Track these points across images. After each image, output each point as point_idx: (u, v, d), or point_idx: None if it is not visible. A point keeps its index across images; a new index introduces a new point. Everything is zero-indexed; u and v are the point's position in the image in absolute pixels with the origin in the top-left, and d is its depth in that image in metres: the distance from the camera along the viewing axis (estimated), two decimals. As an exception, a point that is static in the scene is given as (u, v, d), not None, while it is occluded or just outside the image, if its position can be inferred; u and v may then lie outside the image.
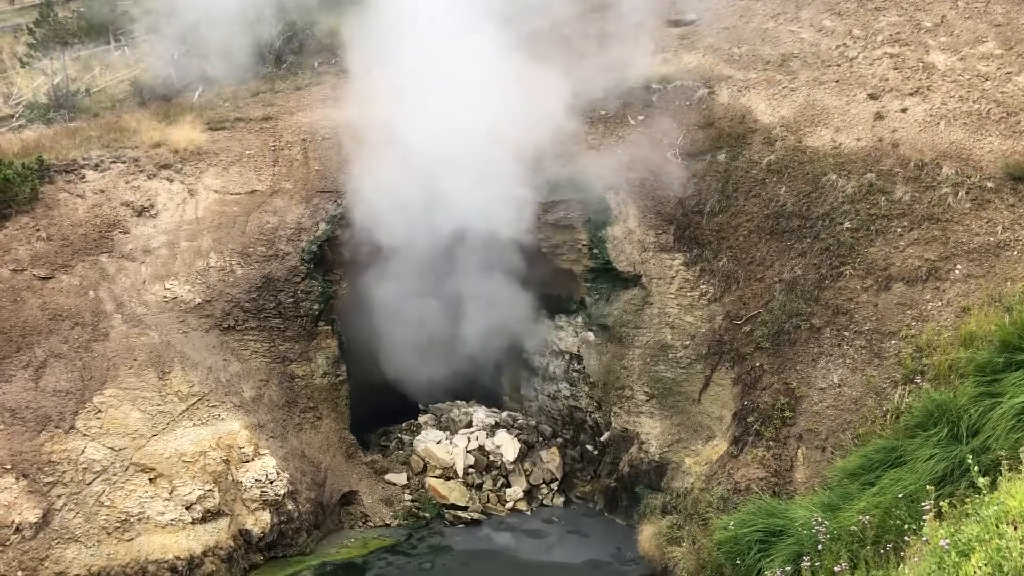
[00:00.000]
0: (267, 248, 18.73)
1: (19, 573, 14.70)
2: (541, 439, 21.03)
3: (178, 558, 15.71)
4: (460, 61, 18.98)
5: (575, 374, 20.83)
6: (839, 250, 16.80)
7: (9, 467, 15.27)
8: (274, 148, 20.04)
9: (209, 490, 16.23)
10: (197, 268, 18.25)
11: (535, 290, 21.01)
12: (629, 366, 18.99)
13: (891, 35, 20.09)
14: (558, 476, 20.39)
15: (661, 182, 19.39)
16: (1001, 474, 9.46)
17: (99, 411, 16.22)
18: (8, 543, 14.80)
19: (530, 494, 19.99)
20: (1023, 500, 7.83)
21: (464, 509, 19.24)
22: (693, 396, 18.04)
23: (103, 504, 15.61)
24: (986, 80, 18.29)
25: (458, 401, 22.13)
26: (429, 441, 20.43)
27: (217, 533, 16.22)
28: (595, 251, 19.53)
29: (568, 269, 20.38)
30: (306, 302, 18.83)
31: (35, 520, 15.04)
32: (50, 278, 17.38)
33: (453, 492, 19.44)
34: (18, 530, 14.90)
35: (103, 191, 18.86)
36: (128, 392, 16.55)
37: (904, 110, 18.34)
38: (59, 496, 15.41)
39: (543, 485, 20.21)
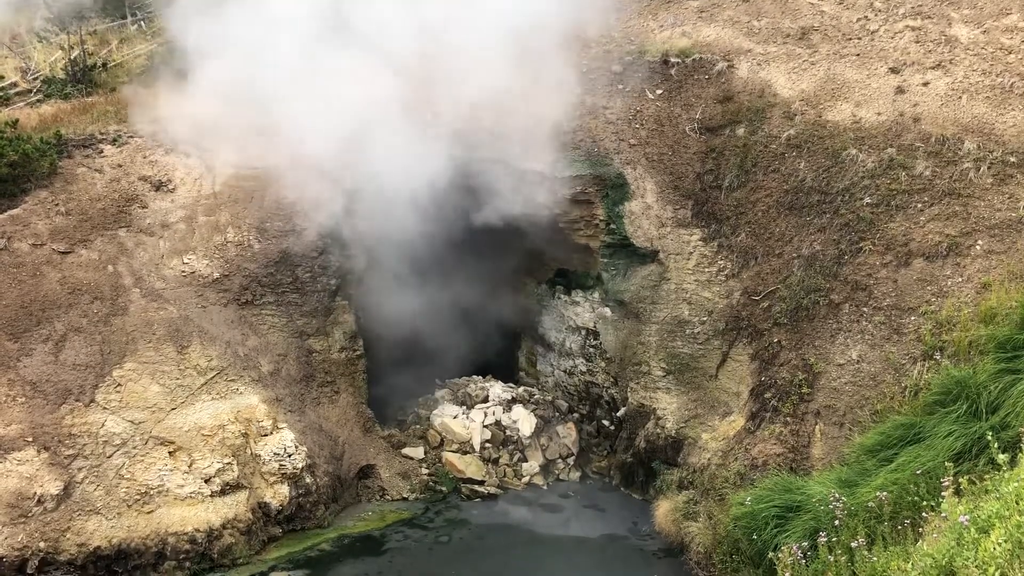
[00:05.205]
0: (284, 223, 18.73)
1: (41, 544, 14.88)
2: (557, 414, 21.08)
3: (197, 530, 15.87)
4: (469, 36, 18.91)
5: (592, 350, 20.84)
6: (859, 225, 16.69)
7: (31, 440, 15.43)
8: (291, 123, 19.96)
9: (228, 463, 16.35)
10: (215, 243, 18.30)
11: (552, 265, 20.98)
12: (646, 342, 18.98)
13: (913, 8, 19.84)
14: (574, 451, 20.45)
15: (679, 157, 19.28)
16: (1021, 451, 9.45)
17: (119, 385, 16.34)
18: (30, 515, 14.98)
19: (546, 469, 20.06)
20: (1044, 477, 7.81)
21: (481, 483, 19.33)
22: (710, 372, 18.03)
23: (123, 477, 15.76)
24: (1010, 53, 18.06)
25: (474, 376, 22.18)
26: (446, 416, 20.52)
27: (236, 506, 16.36)
28: (612, 226, 19.46)
29: (585, 244, 20.32)
30: (323, 277, 18.86)
31: (56, 492, 15.21)
32: (69, 252, 17.47)
33: (470, 466, 19.54)
34: (40, 502, 15.07)
35: (121, 166, 18.91)
36: (147, 366, 16.67)
37: (926, 84, 18.14)
38: (80, 469, 15.57)
39: (559, 460, 20.28)
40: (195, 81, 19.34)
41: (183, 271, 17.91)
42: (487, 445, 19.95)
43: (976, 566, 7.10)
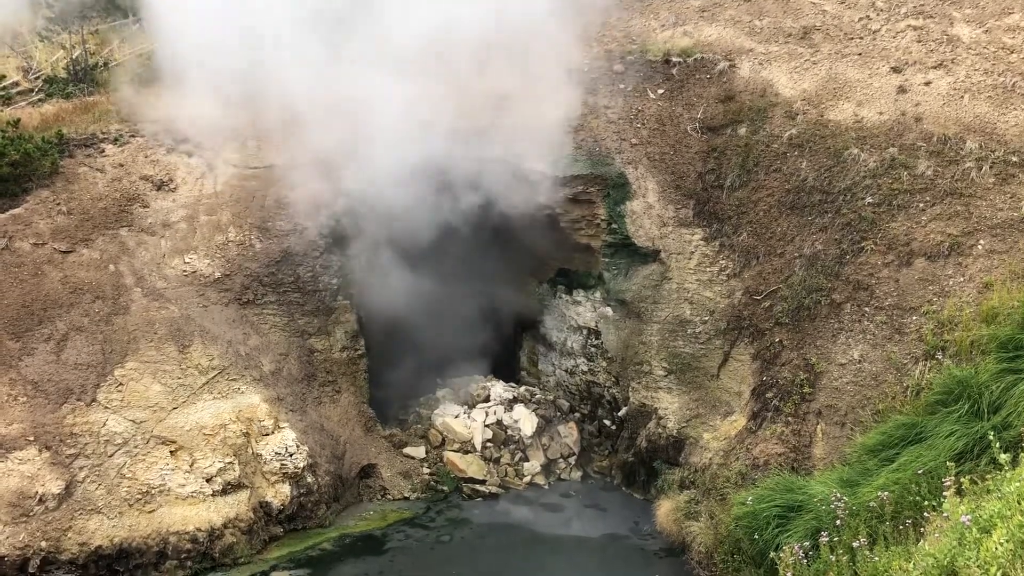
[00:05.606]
0: (286, 222, 18.73)
1: (43, 543, 14.89)
2: (559, 414, 21.07)
3: (199, 530, 15.87)
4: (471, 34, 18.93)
5: (593, 349, 20.83)
6: (860, 225, 16.67)
7: (32, 439, 15.43)
8: (292, 122, 19.96)
9: (229, 463, 16.35)
10: (216, 242, 18.30)
11: (553, 265, 20.97)
12: (647, 341, 18.96)
13: (915, 7, 19.82)
14: (576, 451, 20.44)
15: (681, 156, 19.27)
16: (1023, 450, 9.40)
17: (120, 384, 16.35)
18: (32, 514, 14.98)
19: (548, 468, 20.05)
20: (1046, 477, 7.79)
21: (482, 483, 19.33)
22: (712, 371, 18.01)
23: (125, 476, 15.76)
24: (1012, 53, 18.03)
25: (476, 375, 22.17)
26: (447, 415, 20.51)
27: (237, 505, 16.35)
28: (614, 226, 19.45)
29: (587, 244, 20.32)
30: (324, 276, 18.87)
31: (58, 491, 15.21)
32: (71, 252, 17.48)
33: (471, 466, 19.53)
34: (41, 501, 15.07)
35: (122, 165, 18.92)
36: (149, 365, 16.67)
37: (927, 83, 18.12)
38: (81, 468, 15.57)
39: (561, 459, 20.27)
40: (196, 80, 19.33)
41: (184, 270, 17.91)
42: (488, 444, 19.95)
43: (978, 566, 7.09)
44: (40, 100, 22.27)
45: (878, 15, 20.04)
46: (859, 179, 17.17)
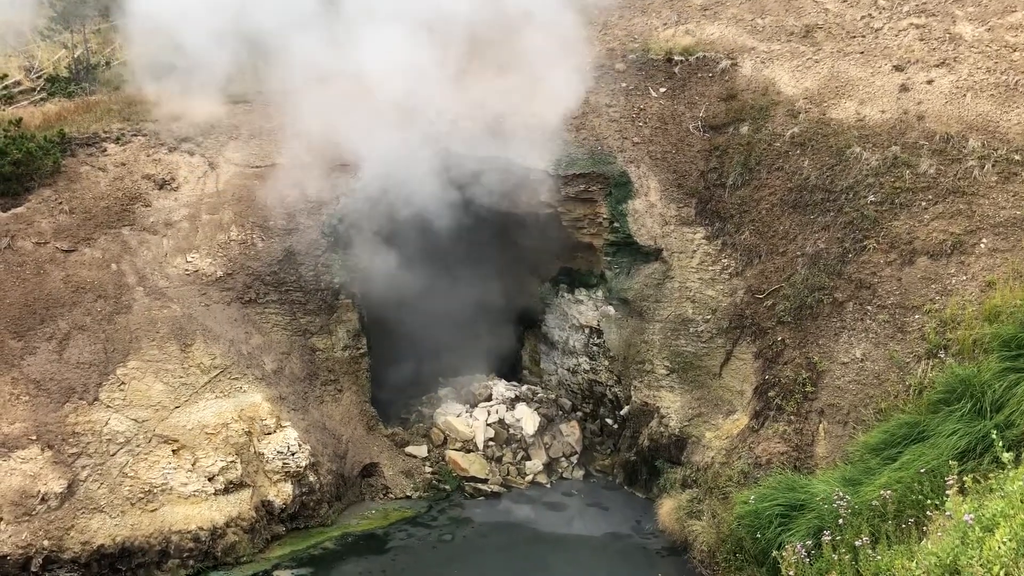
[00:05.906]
0: (288, 221, 18.73)
1: (45, 542, 14.90)
2: (561, 413, 21.06)
3: (201, 528, 15.88)
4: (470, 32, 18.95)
5: (595, 348, 20.82)
6: (863, 224, 16.66)
7: (34, 438, 15.45)
8: (293, 120, 19.97)
9: (231, 462, 16.35)
10: (218, 241, 18.30)
11: (556, 263, 20.96)
12: (649, 340, 18.96)
13: (917, 5, 19.79)
14: (578, 449, 20.43)
15: (683, 155, 19.26)
16: (1026, 449, 9.39)
17: (122, 383, 16.35)
18: (34, 513, 14.99)
19: (550, 467, 20.05)
20: (1049, 475, 7.78)
21: (484, 482, 19.33)
22: (714, 370, 18.01)
23: (127, 475, 15.77)
24: (1015, 51, 18.01)
25: (478, 374, 22.16)
26: (449, 414, 20.51)
27: (239, 504, 16.36)
28: (616, 225, 19.44)
29: (588, 243, 20.31)
30: (327, 275, 18.86)
31: (60, 490, 15.22)
32: (73, 251, 17.49)
33: (473, 465, 19.53)
34: (44, 500, 15.08)
35: (124, 164, 18.92)
36: (151, 364, 16.67)
37: (930, 82, 18.10)
38: (83, 467, 15.58)
39: (563, 458, 20.27)
40: (196, 79, 19.35)
41: (186, 269, 17.92)
42: (490, 443, 19.94)
43: (980, 565, 7.08)
44: (42, 99, 22.28)
45: (880, 13, 20.02)
46: (861, 177, 17.15)
